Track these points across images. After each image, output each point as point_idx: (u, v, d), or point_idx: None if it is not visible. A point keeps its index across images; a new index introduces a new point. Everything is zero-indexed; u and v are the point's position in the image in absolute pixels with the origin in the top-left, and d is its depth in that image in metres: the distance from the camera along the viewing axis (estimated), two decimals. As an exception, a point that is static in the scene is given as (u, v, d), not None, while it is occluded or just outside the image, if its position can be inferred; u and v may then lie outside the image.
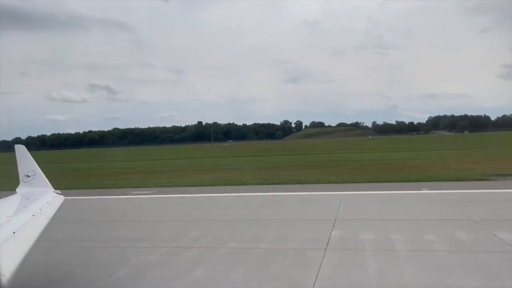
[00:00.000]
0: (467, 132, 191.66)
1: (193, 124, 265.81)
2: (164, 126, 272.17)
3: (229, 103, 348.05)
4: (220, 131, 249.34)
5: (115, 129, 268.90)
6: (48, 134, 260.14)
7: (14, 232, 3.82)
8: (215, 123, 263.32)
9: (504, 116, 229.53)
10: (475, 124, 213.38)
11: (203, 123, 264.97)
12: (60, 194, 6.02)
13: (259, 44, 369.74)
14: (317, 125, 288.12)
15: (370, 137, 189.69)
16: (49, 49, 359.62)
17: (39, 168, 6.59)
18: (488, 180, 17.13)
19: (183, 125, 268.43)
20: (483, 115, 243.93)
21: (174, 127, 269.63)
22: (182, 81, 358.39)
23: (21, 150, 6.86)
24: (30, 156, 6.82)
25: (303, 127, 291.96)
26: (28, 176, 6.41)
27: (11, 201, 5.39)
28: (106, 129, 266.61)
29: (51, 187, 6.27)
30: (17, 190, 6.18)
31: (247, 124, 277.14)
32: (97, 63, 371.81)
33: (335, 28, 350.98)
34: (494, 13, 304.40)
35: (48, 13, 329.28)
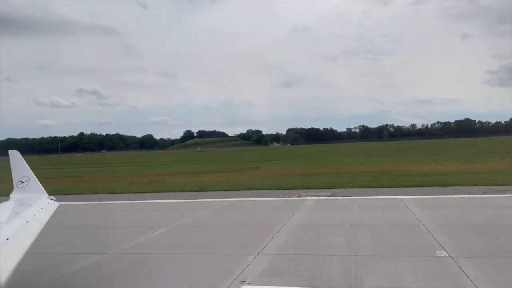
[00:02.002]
0: (289, 144, 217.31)
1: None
2: (42, 137, 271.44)
3: (220, 108, 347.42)
4: (96, 141, 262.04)
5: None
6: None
7: (7, 239, 3.78)
8: (92, 134, 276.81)
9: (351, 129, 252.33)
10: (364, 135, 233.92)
11: (84, 133, 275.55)
12: (54, 200, 5.97)
13: (250, 49, 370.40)
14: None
15: (199, 149, 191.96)
16: (34, 54, 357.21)
17: (33, 174, 6.53)
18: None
19: (71, 135, 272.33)
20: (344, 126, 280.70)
21: (52, 137, 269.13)
22: (173, 86, 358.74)
23: (15, 156, 6.80)
24: (24, 161, 6.76)
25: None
26: (22, 181, 6.34)
27: (5, 207, 5.33)
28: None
29: (45, 193, 6.21)
30: (10, 196, 6.11)
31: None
32: (85, 68, 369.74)
33: (326, 34, 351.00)
34: (477, 20, 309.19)
35: (33, 18, 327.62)
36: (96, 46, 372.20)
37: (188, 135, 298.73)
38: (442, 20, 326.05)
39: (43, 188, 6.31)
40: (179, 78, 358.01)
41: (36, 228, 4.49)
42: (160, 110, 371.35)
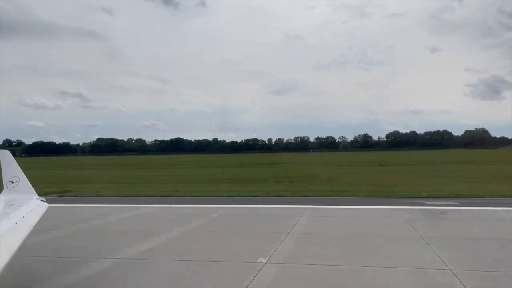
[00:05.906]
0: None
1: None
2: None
3: (210, 115, 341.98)
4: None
5: None
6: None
7: None
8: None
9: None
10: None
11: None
12: (44, 201, 5.96)
13: (238, 56, 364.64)
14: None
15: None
16: (17, 56, 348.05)
17: (23, 174, 6.51)
18: None
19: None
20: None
21: None
22: (161, 89, 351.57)
23: (5, 156, 6.77)
24: (15, 161, 6.74)
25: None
26: (12, 182, 6.32)
27: None
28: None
29: (36, 194, 6.19)
30: (0, 196, 6.09)
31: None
32: (70, 71, 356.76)
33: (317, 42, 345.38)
34: (454, 33, 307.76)
35: (16, 20, 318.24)
36: (80, 50, 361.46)
37: (7, 144, 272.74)
38: (417, 32, 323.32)
39: (33, 189, 6.29)
40: (167, 83, 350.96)
41: (25, 229, 4.50)
42: (148, 114, 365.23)
